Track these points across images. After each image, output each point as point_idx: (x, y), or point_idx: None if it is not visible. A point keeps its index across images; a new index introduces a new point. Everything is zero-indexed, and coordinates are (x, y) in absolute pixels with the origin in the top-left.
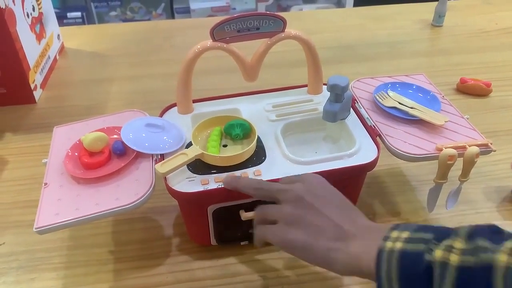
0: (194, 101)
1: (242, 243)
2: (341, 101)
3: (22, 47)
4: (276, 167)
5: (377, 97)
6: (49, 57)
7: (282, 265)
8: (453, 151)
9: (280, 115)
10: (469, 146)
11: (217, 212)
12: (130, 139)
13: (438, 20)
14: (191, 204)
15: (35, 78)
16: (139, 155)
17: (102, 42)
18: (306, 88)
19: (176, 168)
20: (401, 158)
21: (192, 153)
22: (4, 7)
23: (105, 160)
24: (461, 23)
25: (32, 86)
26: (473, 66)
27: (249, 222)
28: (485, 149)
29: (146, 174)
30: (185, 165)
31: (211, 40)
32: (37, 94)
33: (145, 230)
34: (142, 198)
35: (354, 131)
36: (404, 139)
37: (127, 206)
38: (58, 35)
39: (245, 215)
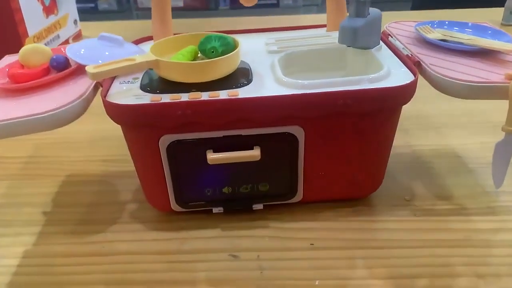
0: None
1: (214, 211)
2: (364, 16)
3: (19, 8)
4: (263, 90)
5: (420, 30)
6: (58, 36)
7: (263, 245)
8: None
9: (283, 47)
10: None
11: (173, 148)
12: (78, 54)
13: (509, 17)
14: (136, 130)
15: None
16: (83, 72)
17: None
18: (325, 28)
19: (112, 72)
20: (448, 92)
21: (142, 58)
22: None
23: (38, 73)
24: None
25: None
26: None
27: (222, 175)
28: None
29: (82, 88)
30: (138, 85)
31: None
32: None
33: (97, 193)
34: (62, 108)
35: (383, 62)
36: (455, 68)
37: (39, 116)
38: (75, 20)
39: (212, 157)
